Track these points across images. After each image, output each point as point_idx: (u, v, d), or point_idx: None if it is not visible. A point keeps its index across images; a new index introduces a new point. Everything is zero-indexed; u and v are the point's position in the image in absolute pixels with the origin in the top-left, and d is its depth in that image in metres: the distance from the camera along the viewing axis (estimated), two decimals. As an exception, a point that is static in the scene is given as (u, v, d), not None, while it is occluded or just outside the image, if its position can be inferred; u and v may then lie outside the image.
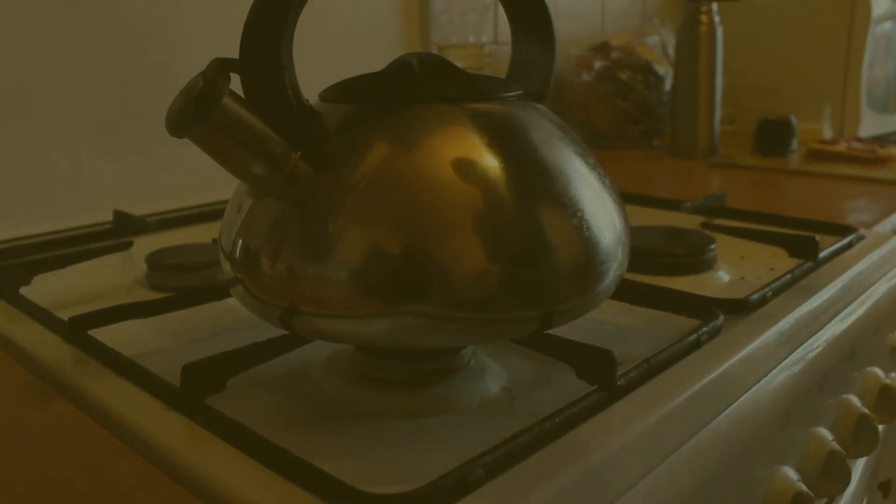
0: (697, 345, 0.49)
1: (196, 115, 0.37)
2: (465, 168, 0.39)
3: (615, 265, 0.42)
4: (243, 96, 0.39)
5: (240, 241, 0.41)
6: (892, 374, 0.76)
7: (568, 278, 0.39)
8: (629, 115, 1.40)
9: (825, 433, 0.59)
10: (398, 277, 0.37)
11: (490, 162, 0.39)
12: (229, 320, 0.58)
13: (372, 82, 0.45)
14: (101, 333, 0.51)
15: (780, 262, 0.70)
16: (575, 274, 0.39)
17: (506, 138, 0.41)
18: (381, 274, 0.38)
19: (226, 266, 0.43)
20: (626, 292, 0.57)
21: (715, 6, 1.33)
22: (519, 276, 0.38)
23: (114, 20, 0.83)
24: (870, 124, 1.56)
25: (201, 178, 0.86)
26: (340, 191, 0.39)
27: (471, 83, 0.44)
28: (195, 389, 0.41)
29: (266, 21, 0.38)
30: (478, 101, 0.43)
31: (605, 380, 0.42)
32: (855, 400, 0.65)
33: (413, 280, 0.37)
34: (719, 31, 1.31)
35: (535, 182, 0.40)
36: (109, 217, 0.80)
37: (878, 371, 0.70)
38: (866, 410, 0.64)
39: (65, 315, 0.54)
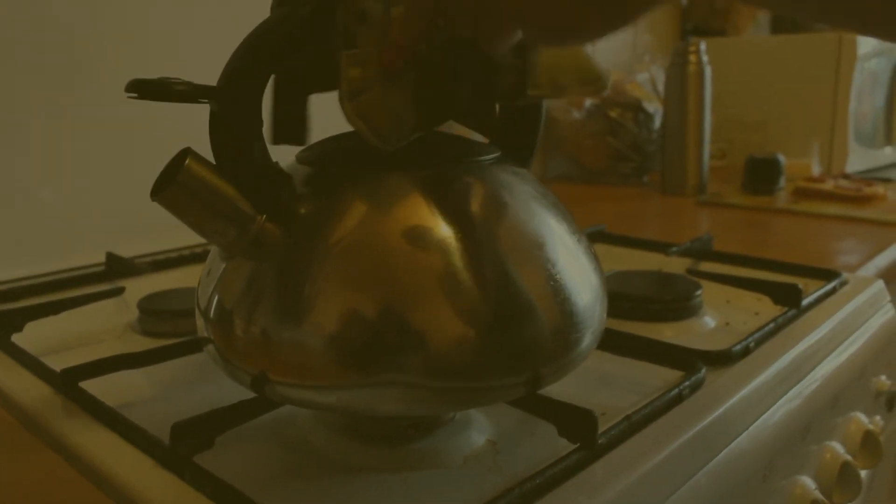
0: (679, 399, 0.50)
1: (162, 179, 0.38)
2: (434, 235, 0.39)
3: (594, 325, 0.43)
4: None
5: (211, 303, 0.42)
6: (876, 418, 0.77)
7: (548, 342, 0.40)
8: (619, 152, 1.41)
9: (808, 482, 0.60)
10: (371, 346, 0.37)
11: (464, 227, 0.39)
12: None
13: (347, 143, 0.45)
14: (92, 381, 0.52)
15: (765, 306, 0.71)
16: (556, 337, 0.40)
17: (480, 203, 0.41)
18: (350, 343, 0.37)
19: (199, 323, 0.43)
20: (609, 343, 0.58)
21: (703, 44, 1.34)
22: (498, 342, 0.38)
23: (96, 62, 0.84)
24: (857, 159, 1.58)
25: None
26: (308, 254, 0.39)
27: (447, 145, 0.45)
28: (184, 448, 0.42)
29: (236, 86, 0.39)
30: (453, 164, 0.43)
31: (586, 439, 0.43)
32: (838, 447, 0.65)
33: (387, 349, 0.37)
34: (708, 70, 1.33)
35: (511, 248, 0.40)
36: (101, 258, 0.80)
37: (862, 416, 0.71)
38: (849, 458, 0.65)
39: (56, 361, 0.54)
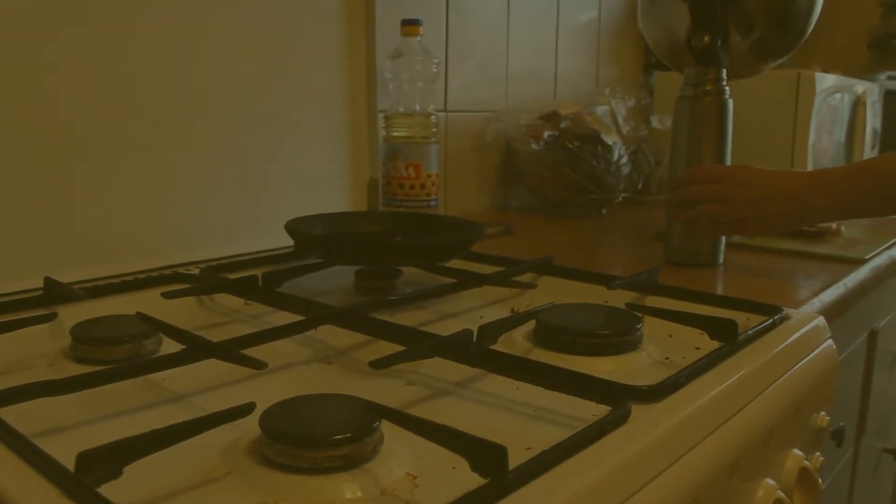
0: (600, 434, 0.50)
1: None
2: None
3: None
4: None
5: None
6: (816, 455, 0.77)
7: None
8: (578, 183, 1.42)
9: (738, 518, 0.60)
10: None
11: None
12: (151, 396, 0.59)
13: None
14: (18, 406, 0.51)
15: (707, 341, 0.71)
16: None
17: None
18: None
19: None
20: (539, 375, 0.58)
21: (724, 72, 1.18)
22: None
23: (44, 83, 0.84)
24: (816, 195, 1.59)
25: (130, 241, 0.87)
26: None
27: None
28: (89, 478, 0.41)
29: None
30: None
31: (496, 473, 0.42)
32: (772, 483, 0.65)
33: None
34: (730, 104, 1.16)
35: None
36: (39, 283, 0.80)
37: (798, 452, 0.71)
38: (782, 495, 0.65)
39: (-18, 387, 0.54)
